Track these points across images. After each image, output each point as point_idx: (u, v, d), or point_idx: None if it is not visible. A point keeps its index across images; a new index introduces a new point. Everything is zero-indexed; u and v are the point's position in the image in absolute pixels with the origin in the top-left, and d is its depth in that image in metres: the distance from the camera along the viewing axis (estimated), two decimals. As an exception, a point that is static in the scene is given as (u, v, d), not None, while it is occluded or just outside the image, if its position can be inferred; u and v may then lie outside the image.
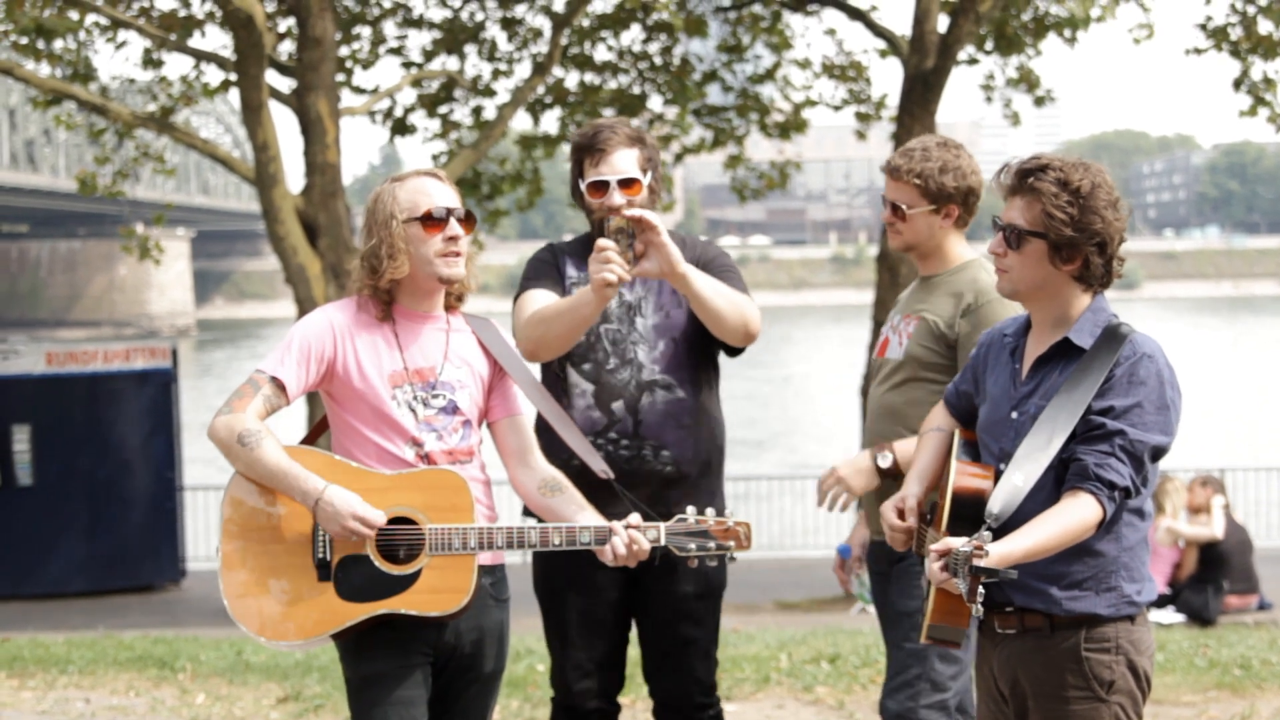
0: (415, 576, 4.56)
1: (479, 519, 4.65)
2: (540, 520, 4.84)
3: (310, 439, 4.95)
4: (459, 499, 4.60)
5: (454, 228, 4.75)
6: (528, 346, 5.18)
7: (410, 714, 4.66)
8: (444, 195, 4.79)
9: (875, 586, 5.47)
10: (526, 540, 4.60)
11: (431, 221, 4.72)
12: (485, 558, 4.73)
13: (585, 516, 4.70)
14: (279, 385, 4.64)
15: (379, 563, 4.56)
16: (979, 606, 3.77)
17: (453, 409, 4.76)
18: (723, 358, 5.60)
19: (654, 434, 5.43)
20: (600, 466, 5.02)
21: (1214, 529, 14.37)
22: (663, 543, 4.63)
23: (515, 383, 4.92)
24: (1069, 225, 4.11)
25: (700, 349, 5.50)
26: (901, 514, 4.46)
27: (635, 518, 4.63)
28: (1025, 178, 4.18)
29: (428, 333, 4.80)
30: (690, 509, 4.70)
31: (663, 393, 5.44)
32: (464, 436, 4.78)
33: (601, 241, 5.05)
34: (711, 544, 4.65)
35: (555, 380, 5.54)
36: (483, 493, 4.77)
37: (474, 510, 4.61)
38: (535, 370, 5.18)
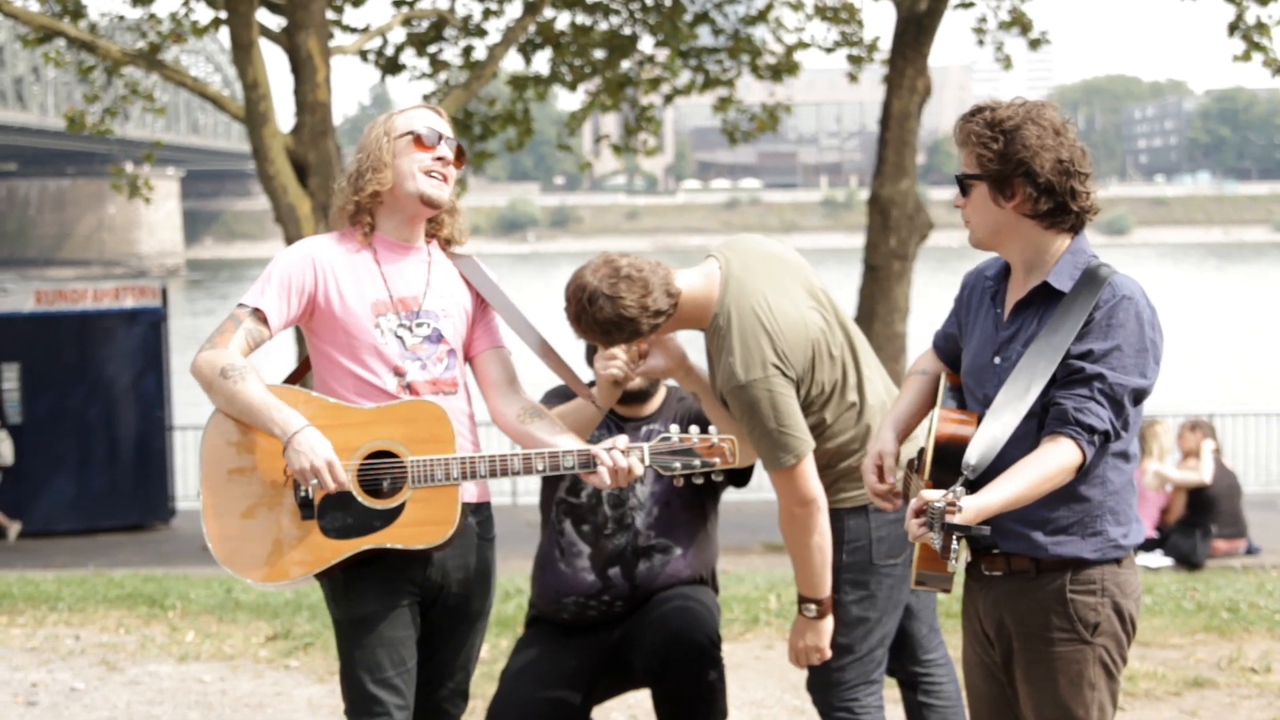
0: (399, 510, 4.53)
1: (462, 451, 4.62)
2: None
3: (292, 380, 4.91)
4: (440, 429, 4.56)
5: (444, 150, 4.74)
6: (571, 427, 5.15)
7: (399, 654, 4.66)
8: (439, 122, 4.79)
9: None
10: (510, 467, 4.55)
11: (422, 141, 4.71)
12: (471, 494, 4.72)
13: (566, 441, 4.65)
14: (260, 317, 4.59)
15: (362, 498, 4.53)
16: (953, 562, 3.78)
17: (437, 337, 4.72)
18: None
19: (649, 591, 5.57)
20: (590, 397, 5.04)
21: (1202, 474, 14.41)
22: (647, 463, 4.61)
23: (499, 315, 4.88)
24: (995, 160, 4.08)
25: (696, 504, 5.60)
26: (881, 474, 4.44)
27: (622, 440, 4.60)
28: (963, 125, 4.18)
29: (409, 262, 4.76)
30: (674, 427, 4.70)
31: (660, 556, 5.57)
32: (448, 366, 4.73)
33: None
34: (696, 461, 4.64)
35: (553, 533, 5.65)
36: (466, 427, 4.74)
37: (455, 441, 4.56)
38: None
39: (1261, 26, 18.79)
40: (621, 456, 4.55)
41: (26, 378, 18.25)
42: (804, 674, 5.31)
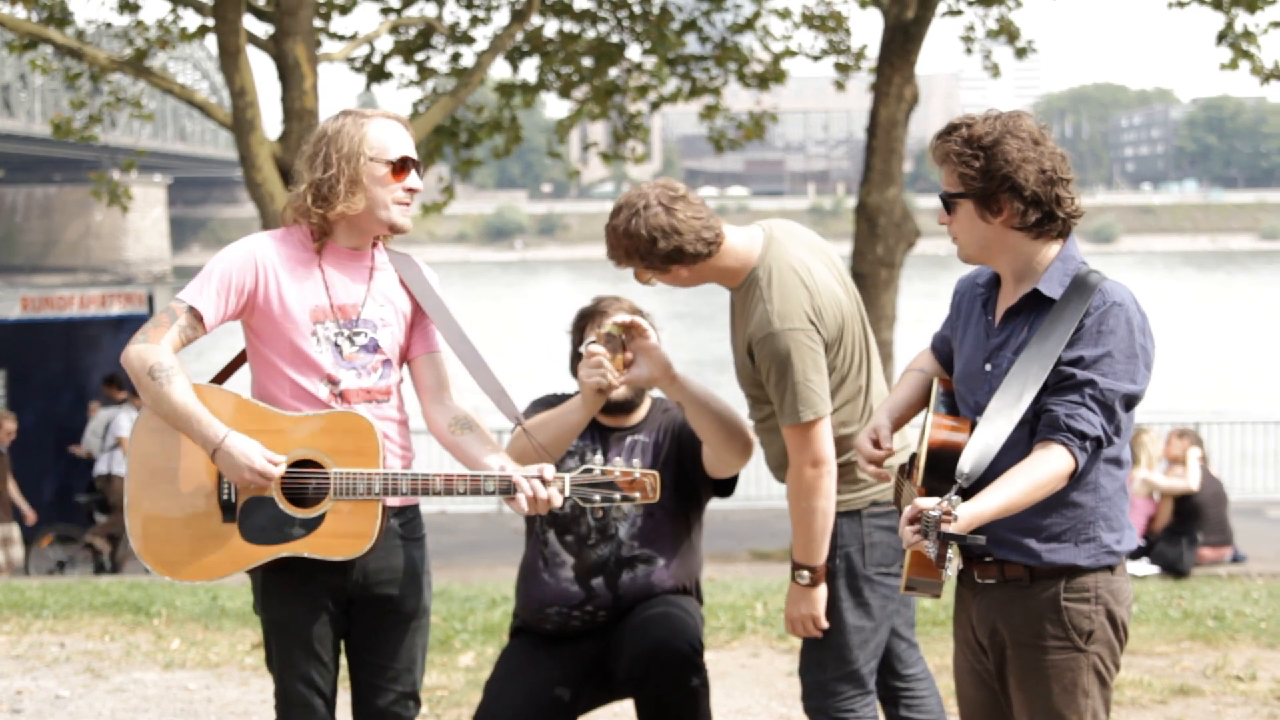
0: (319, 520, 4.55)
1: (391, 461, 4.64)
2: (454, 460, 4.80)
3: (221, 378, 4.89)
4: (365, 443, 4.56)
5: (415, 179, 4.73)
6: (513, 453, 5.14)
7: (315, 652, 4.72)
8: (409, 143, 4.76)
9: None
10: (431, 487, 4.57)
11: (399, 168, 4.69)
12: (395, 500, 4.72)
13: (493, 458, 4.65)
14: (196, 315, 4.58)
15: (284, 505, 4.55)
16: (947, 572, 3.78)
17: (374, 347, 4.70)
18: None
19: (633, 601, 5.56)
20: (512, 411, 4.97)
21: (1189, 481, 14.43)
22: (567, 494, 4.58)
23: (433, 323, 4.84)
24: (979, 177, 4.09)
25: (680, 514, 5.60)
26: (877, 443, 4.44)
27: (549, 470, 4.56)
28: (939, 144, 4.18)
29: (353, 269, 4.73)
30: (597, 458, 4.72)
31: (643, 566, 5.56)
32: (383, 375, 4.72)
33: (592, 347, 5.12)
34: (616, 495, 4.61)
35: (537, 543, 5.65)
36: (397, 433, 4.73)
37: (380, 454, 4.56)
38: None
39: (1249, 34, 18.81)
40: (541, 486, 4.53)
41: (12, 384, 18.24)
42: (791, 682, 5.32)
